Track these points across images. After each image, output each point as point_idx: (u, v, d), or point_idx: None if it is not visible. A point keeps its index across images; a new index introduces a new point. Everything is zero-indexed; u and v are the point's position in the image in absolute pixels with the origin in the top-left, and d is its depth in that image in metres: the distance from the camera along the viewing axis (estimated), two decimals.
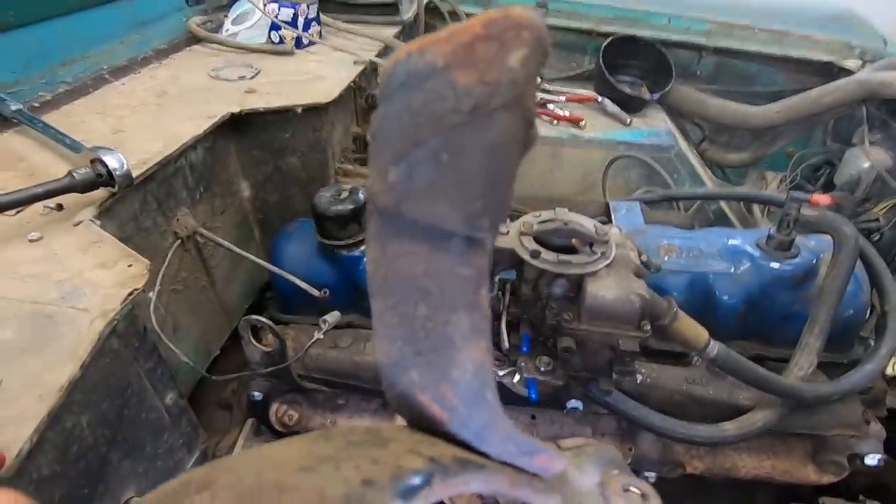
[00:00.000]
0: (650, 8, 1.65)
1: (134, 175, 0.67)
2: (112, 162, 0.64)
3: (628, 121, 1.52)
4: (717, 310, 0.82)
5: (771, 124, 1.58)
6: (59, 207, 0.63)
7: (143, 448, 0.58)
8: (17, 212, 0.62)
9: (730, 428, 0.71)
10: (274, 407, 0.87)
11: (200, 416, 0.89)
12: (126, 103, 0.92)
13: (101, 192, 0.65)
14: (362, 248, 0.89)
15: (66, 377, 0.44)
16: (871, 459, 0.79)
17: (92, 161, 0.64)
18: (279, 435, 0.90)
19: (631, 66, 1.68)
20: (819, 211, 0.77)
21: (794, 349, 0.76)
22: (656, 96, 1.58)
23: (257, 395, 0.88)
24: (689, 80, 1.70)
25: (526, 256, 0.62)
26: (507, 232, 0.66)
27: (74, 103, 0.91)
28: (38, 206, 0.62)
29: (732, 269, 0.82)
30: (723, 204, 1.46)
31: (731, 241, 0.85)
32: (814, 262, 0.80)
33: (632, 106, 1.57)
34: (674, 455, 0.82)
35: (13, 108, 0.79)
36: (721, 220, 1.48)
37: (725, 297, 0.81)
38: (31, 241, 0.59)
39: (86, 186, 0.62)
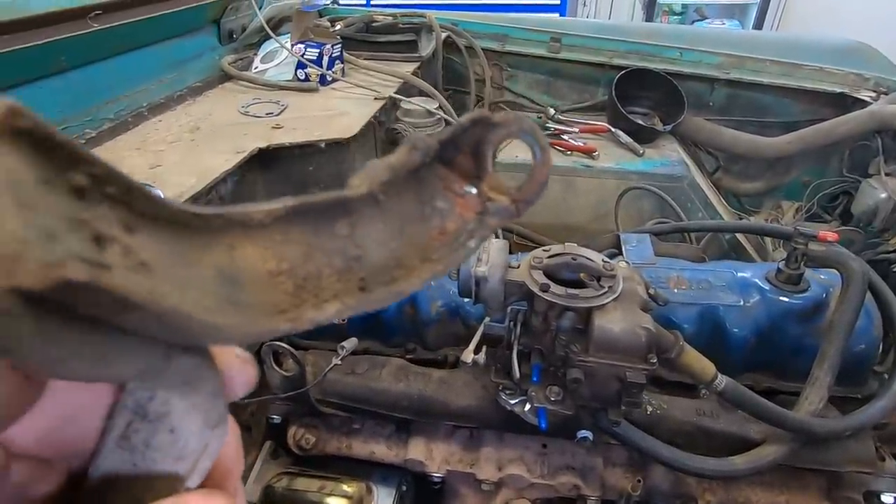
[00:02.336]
0: (662, 42, 1.69)
1: None
2: None
3: (641, 151, 1.55)
4: (727, 342, 0.83)
5: (783, 155, 1.59)
6: None
7: None
8: None
9: (739, 462, 0.71)
10: (292, 430, 0.90)
11: None
12: (163, 139, 0.99)
13: None
14: None
15: None
16: (888, 498, 0.78)
17: None
18: (296, 457, 0.93)
19: (643, 98, 1.71)
20: (826, 246, 0.78)
21: (805, 383, 0.76)
22: (669, 127, 1.61)
23: (276, 418, 0.91)
24: (703, 111, 1.73)
25: (536, 290, 0.65)
26: (518, 266, 0.69)
27: (117, 139, 0.98)
28: None
29: (742, 302, 0.83)
30: (739, 234, 1.47)
31: (741, 274, 0.86)
32: (824, 295, 0.81)
33: (644, 136, 1.60)
34: (686, 487, 0.82)
35: None
36: (736, 250, 1.49)
37: (735, 330, 0.83)
38: None
39: None
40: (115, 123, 1.02)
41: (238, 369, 0.21)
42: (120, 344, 0.13)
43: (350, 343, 0.89)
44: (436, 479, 0.88)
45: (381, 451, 0.90)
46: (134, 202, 0.13)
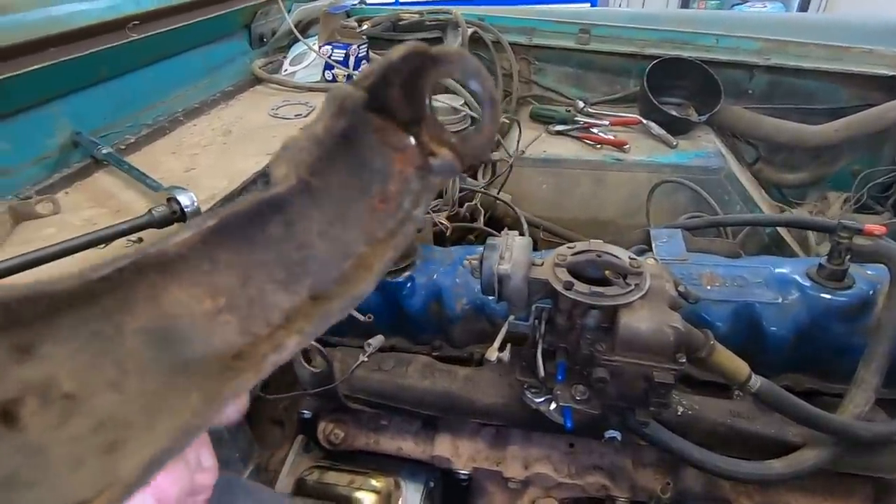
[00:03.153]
0: (697, 29, 1.63)
1: (202, 210, 0.75)
2: (184, 200, 0.72)
3: (674, 143, 1.50)
4: (765, 341, 0.80)
5: (830, 143, 1.51)
6: (140, 241, 0.72)
7: None
8: (105, 245, 0.70)
9: (777, 465, 0.68)
10: (322, 425, 0.93)
11: (255, 431, 0.95)
12: (197, 143, 1.03)
13: (174, 227, 0.73)
14: (405, 274, 0.93)
15: None
16: None
17: (168, 199, 0.72)
18: (327, 452, 0.95)
19: (677, 88, 1.66)
20: (874, 240, 0.74)
21: (850, 385, 0.72)
22: (704, 117, 1.55)
23: (307, 413, 0.93)
24: (742, 99, 1.66)
25: (559, 288, 0.64)
26: (542, 263, 0.68)
27: (154, 144, 1.02)
28: (122, 239, 0.71)
29: (780, 300, 0.79)
30: (780, 228, 1.41)
31: (779, 270, 0.82)
32: (870, 292, 0.77)
33: (678, 128, 1.55)
34: (720, 490, 0.79)
35: (104, 151, 0.90)
36: (777, 245, 1.42)
37: (773, 329, 0.79)
38: None
39: (162, 223, 0.71)
40: (152, 129, 1.06)
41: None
42: None
43: (377, 340, 0.90)
44: (463, 476, 0.89)
45: (409, 446, 0.91)
46: (24, 315, 0.11)
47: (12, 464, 0.10)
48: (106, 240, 0.68)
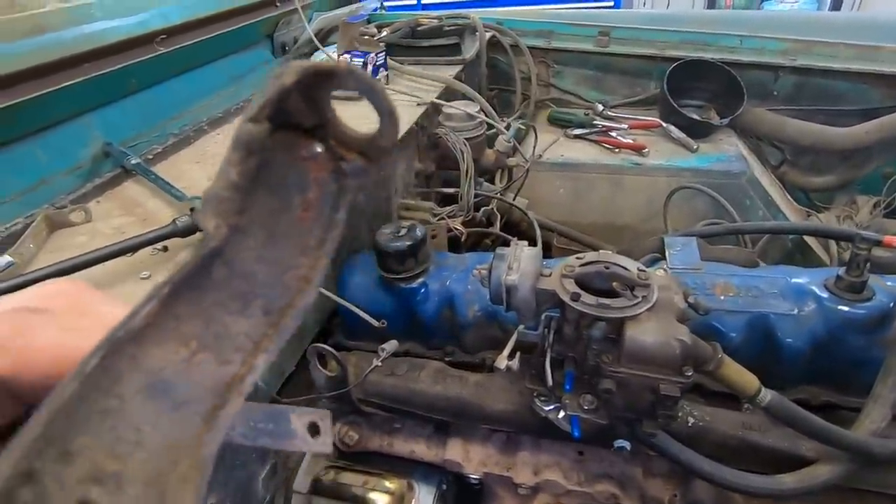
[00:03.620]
0: (720, 30, 1.60)
1: None
2: None
3: (695, 147, 1.48)
4: (780, 353, 0.79)
5: (859, 146, 1.46)
6: (165, 249, 0.76)
7: (222, 459, 0.67)
8: (132, 253, 0.74)
9: (788, 480, 0.67)
10: (337, 427, 0.95)
11: None
12: (220, 152, 1.07)
13: (198, 236, 0.77)
14: (419, 280, 0.95)
15: None
16: None
17: (191, 210, 0.76)
18: (341, 453, 0.97)
19: (699, 90, 1.63)
20: (893, 252, 0.72)
21: (866, 400, 0.71)
22: (726, 121, 1.52)
23: None
24: (766, 101, 1.62)
25: (566, 299, 0.65)
26: (550, 274, 0.69)
27: (179, 154, 1.07)
28: (149, 248, 0.75)
29: (796, 311, 0.78)
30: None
31: (796, 281, 0.81)
32: (891, 305, 0.75)
33: (699, 131, 1.53)
34: (731, 503, 0.78)
35: (133, 161, 0.94)
36: (801, 251, 1.39)
37: (789, 340, 0.78)
38: (142, 278, 0.71)
39: (186, 232, 0.74)
40: (178, 138, 1.10)
41: None
42: None
43: (390, 345, 0.92)
44: (474, 481, 0.90)
45: (421, 450, 0.93)
46: (56, 427, 0.14)
47: None
48: (133, 248, 0.72)
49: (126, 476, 0.13)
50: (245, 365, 0.16)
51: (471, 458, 0.89)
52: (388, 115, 0.18)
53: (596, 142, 1.57)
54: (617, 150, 1.52)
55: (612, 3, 3.73)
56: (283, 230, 0.17)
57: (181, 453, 0.14)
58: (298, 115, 0.17)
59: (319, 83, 0.16)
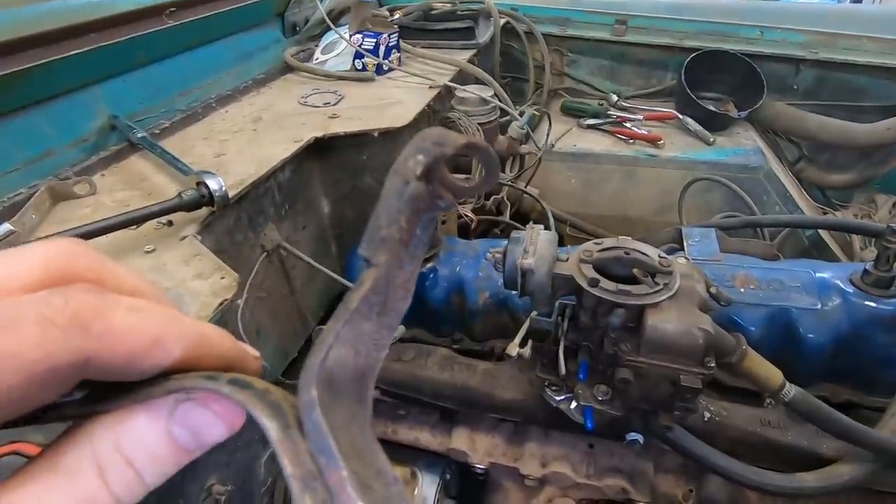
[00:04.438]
0: (740, 21, 1.56)
1: (230, 195, 0.76)
2: (213, 184, 0.73)
3: (711, 139, 1.45)
4: (801, 348, 0.76)
5: (881, 142, 1.42)
6: (170, 223, 0.73)
7: (225, 441, 0.65)
8: (137, 226, 0.72)
9: (809, 479, 0.65)
10: None
11: None
12: (228, 129, 1.04)
13: (203, 211, 0.74)
14: (428, 265, 0.93)
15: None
16: None
17: (197, 184, 0.73)
18: None
19: (717, 82, 1.59)
20: None
21: (892, 399, 0.68)
22: (744, 114, 1.49)
23: None
24: (786, 94, 1.58)
25: (584, 284, 0.62)
26: (567, 258, 0.67)
27: (187, 129, 1.04)
28: (153, 221, 0.73)
29: (819, 306, 0.76)
30: (822, 230, 1.34)
31: (820, 275, 0.78)
32: None
33: (716, 124, 1.49)
34: (745, 502, 0.76)
35: (139, 135, 0.92)
36: (818, 248, 1.36)
37: (811, 336, 0.75)
38: (146, 252, 0.68)
39: (191, 206, 0.72)
40: (185, 114, 1.08)
41: (217, 411, 0.20)
42: None
43: (398, 330, 0.90)
44: (479, 470, 0.88)
45: (426, 438, 0.91)
46: None
47: None
48: (137, 221, 0.70)
49: None
50: (370, 357, 0.20)
51: (477, 447, 0.87)
52: (492, 169, 0.21)
53: (610, 132, 1.54)
54: (631, 141, 1.49)
55: None
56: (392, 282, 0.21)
57: None
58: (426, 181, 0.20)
59: (444, 154, 0.19)
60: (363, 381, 0.19)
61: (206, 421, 0.19)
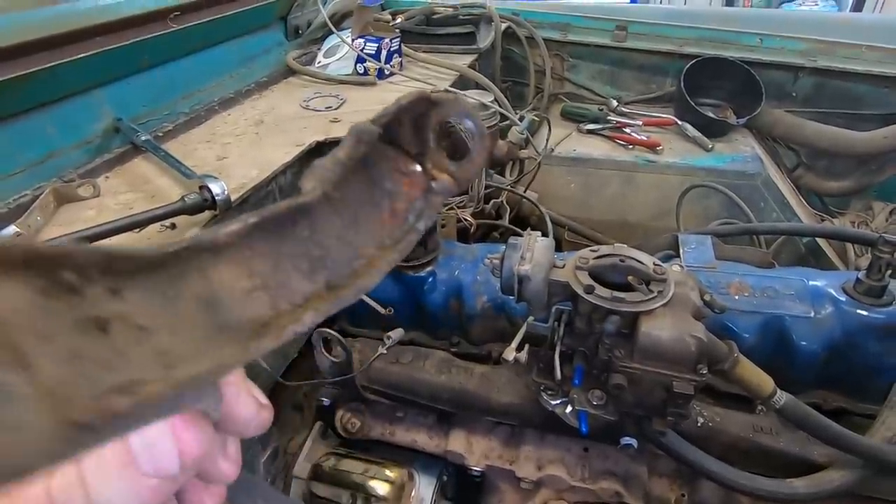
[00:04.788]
0: (740, 28, 1.57)
1: (232, 199, 0.77)
2: (215, 189, 0.74)
3: (710, 146, 1.46)
4: (794, 356, 0.77)
5: (878, 150, 1.44)
6: (172, 226, 0.75)
7: None
8: (140, 230, 0.73)
9: (799, 485, 0.66)
10: (339, 413, 0.94)
11: (275, 416, 0.98)
12: (230, 132, 1.05)
13: (205, 214, 0.76)
14: (427, 269, 0.94)
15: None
16: None
17: (200, 187, 0.74)
18: (343, 439, 0.97)
19: (716, 88, 1.61)
20: None
21: (882, 407, 0.69)
22: (742, 120, 1.50)
23: (325, 401, 0.95)
24: (784, 102, 1.59)
25: (579, 291, 0.63)
26: (563, 265, 0.68)
27: (190, 132, 1.05)
28: (157, 224, 0.74)
29: (812, 313, 0.77)
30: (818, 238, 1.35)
31: (813, 283, 0.79)
32: None
33: (715, 130, 1.51)
34: None
35: (143, 138, 0.93)
36: (815, 255, 1.37)
37: (803, 343, 0.76)
38: None
39: (194, 209, 0.73)
40: (188, 117, 1.09)
41: (253, 412, 0.23)
42: None
43: (396, 333, 0.91)
44: (475, 473, 0.89)
45: (423, 440, 0.92)
46: (114, 267, 0.15)
47: (103, 355, 0.13)
48: (141, 224, 0.71)
49: (148, 337, 0.15)
50: (292, 316, 0.17)
51: (473, 450, 0.88)
52: (479, 138, 0.20)
53: (609, 137, 1.55)
54: (630, 146, 1.50)
55: (627, 1, 3.69)
56: (365, 221, 0.19)
57: (200, 357, 0.16)
58: (406, 140, 0.19)
59: (428, 108, 0.19)
60: None
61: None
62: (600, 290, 0.63)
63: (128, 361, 0.14)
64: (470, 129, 0.19)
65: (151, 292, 0.15)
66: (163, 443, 0.19)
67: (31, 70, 0.82)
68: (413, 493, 0.91)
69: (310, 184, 0.18)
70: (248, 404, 0.22)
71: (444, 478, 0.93)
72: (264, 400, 0.24)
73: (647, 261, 0.66)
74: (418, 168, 0.19)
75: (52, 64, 0.85)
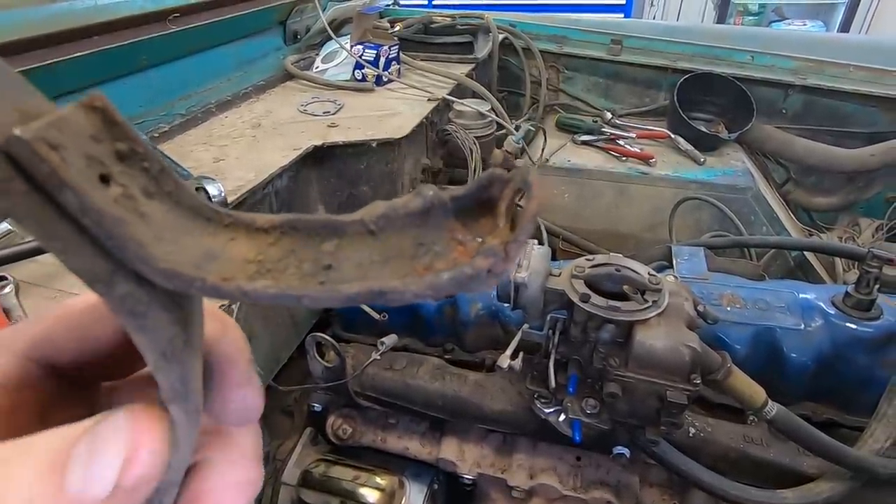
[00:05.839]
0: (732, 45, 1.60)
1: (229, 200, 0.77)
2: (212, 190, 0.74)
3: (702, 160, 1.48)
4: (785, 368, 0.78)
5: (865, 168, 1.47)
6: None
7: None
8: None
9: (789, 496, 0.67)
10: (331, 419, 0.94)
11: (265, 420, 0.97)
12: (227, 134, 1.05)
13: None
14: None
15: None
16: None
17: (196, 189, 0.74)
18: (334, 446, 0.96)
19: (708, 103, 1.63)
20: None
21: (870, 419, 0.70)
22: (734, 135, 1.53)
23: (317, 406, 0.94)
24: (774, 118, 1.63)
25: (576, 299, 0.64)
26: (559, 273, 0.68)
27: (186, 134, 1.05)
28: None
29: (803, 326, 0.78)
30: (806, 252, 1.37)
31: (803, 296, 0.81)
32: None
33: (707, 144, 1.53)
34: None
35: None
36: (803, 269, 1.39)
37: (794, 355, 0.77)
38: None
39: None
40: (185, 119, 1.09)
41: (258, 403, 0.19)
42: (83, 248, 0.14)
43: (390, 339, 0.91)
44: (467, 481, 0.89)
45: (415, 447, 0.91)
46: (162, 180, 0.15)
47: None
48: None
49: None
50: (250, 279, 0.17)
51: (465, 457, 0.88)
52: (530, 211, 0.18)
53: (603, 149, 1.57)
54: (624, 158, 1.52)
55: (622, 16, 3.75)
56: (394, 265, 0.18)
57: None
58: (475, 215, 0.18)
59: (501, 187, 0.18)
60: None
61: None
62: (596, 299, 0.63)
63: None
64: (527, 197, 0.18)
65: (175, 219, 0.16)
66: (107, 449, 0.14)
67: (27, 67, 0.82)
68: (403, 501, 0.90)
69: (358, 212, 0.18)
70: (255, 394, 0.20)
71: (435, 486, 0.93)
72: (253, 376, 0.21)
73: (643, 270, 0.67)
74: (479, 241, 0.18)
75: (50, 62, 0.85)
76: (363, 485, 0.91)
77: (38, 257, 0.64)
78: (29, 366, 0.19)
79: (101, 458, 0.14)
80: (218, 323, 0.20)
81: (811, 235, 1.56)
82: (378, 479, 0.91)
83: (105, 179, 0.14)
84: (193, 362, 0.17)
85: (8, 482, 0.14)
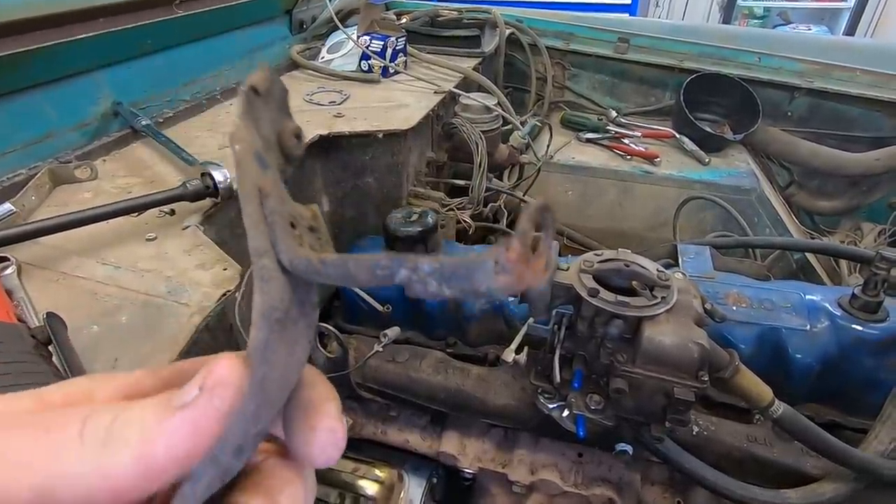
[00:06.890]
0: (739, 46, 1.60)
1: (234, 188, 0.76)
2: (218, 176, 0.73)
3: (707, 160, 1.48)
4: (789, 368, 0.78)
5: (869, 172, 1.47)
6: (172, 212, 0.73)
7: None
8: (139, 214, 0.72)
9: (792, 496, 0.67)
10: None
11: None
12: (232, 122, 1.04)
13: (206, 202, 0.74)
14: None
15: (167, 362, 0.50)
16: None
17: (202, 174, 0.73)
18: None
19: (714, 104, 1.63)
20: None
21: (875, 421, 0.70)
22: (739, 136, 1.52)
23: None
24: (779, 121, 1.62)
25: (584, 294, 0.63)
26: (567, 268, 0.67)
27: (191, 120, 1.04)
28: (156, 209, 0.72)
29: (808, 327, 0.77)
30: (809, 254, 1.37)
31: (809, 297, 0.80)
32: None
33: (712, 145, 1.53)
34: None
35: (143, 122, 0.91)
36: (805, 271, 1.39)
37: (798, 356, 0.77)
38: (147, 239, 0.68)
39: (195, 196, 0.72)
40: (190, 105, 1.08)
41: (332, 421, 0.20)
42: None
43: (393, 331, 0.91)
44: (467, 475, 0.88)
45: (416, 440, 0.91)
46: (319, 234, 0.23)
47: None
48: (139, 208, 0.69)
49: None
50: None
51: (466, 452, 0.88)
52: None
53: (608, 147, 1.56)
54: (628, 157, 1.51)
55: (626, 15, 3.74)
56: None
57: None
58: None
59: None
60: None
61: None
62: (604, 294, 0.63)
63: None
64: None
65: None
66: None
67: (30, 47, 0.81)
68: (402, 494, 0.90)
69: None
70: (343, 434, 0.20)
71: (435, 480, 0.92)
72: (341, 423, 0.21)
73: (651, 267, 0.66)
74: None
75: (53, 42, 0.83)
76: (362, 477, 0.90)
77: (41, 239, 0.64)
78: None
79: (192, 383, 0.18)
80: (313, 374, 0.22)
81: (813, 238, 1.56)
82: (377, 472, 0.91)
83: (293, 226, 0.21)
84: (294, 335, 0.20)
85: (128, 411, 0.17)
